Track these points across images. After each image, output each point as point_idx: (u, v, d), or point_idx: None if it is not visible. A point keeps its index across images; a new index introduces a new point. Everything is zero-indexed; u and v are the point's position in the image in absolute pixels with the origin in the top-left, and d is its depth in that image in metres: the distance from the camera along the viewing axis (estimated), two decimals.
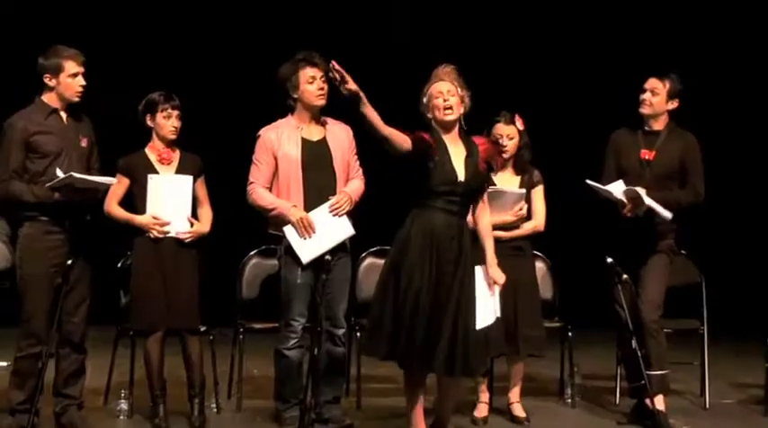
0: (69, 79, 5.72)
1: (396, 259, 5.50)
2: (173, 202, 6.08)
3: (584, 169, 6.25)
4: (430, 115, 5.59)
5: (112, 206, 6.12)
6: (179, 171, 6.15)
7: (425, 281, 5.40)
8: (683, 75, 6.29)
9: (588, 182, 6.15)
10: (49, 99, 5.77)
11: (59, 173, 5.58)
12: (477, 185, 5.59)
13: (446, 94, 5.53)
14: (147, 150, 6.17)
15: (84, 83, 5.74)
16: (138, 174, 6.10)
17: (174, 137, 6.14)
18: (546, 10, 9.87)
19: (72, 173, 5.57)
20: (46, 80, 5.74)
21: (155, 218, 6.03)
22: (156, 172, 6.11)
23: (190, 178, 6.14)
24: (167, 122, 6.11)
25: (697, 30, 9.67)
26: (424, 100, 5.60)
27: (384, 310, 5.47)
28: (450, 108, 5.53)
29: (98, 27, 9.26)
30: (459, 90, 5.55)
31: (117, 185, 6.08)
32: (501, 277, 5.58)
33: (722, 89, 9.62)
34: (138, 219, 6.07)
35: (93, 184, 5.68)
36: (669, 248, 6.27)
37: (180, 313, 6.09)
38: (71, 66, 5.71)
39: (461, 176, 5.49)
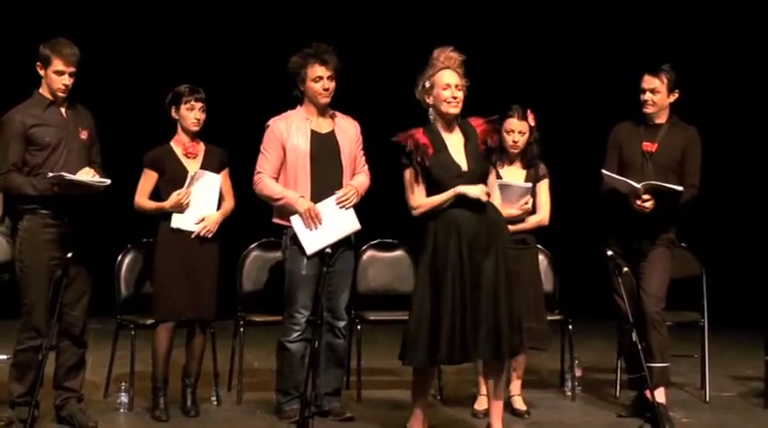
0: (54, 75, 5.71)
1: (430, 268, 5.38)
2: (198, 196, 6.11)
3: (585, 162, 6.25)
4: (430, 102, 5.47)
5: (142, 200, 6.16)
6: (204, 164, 6.19)
7: (459, 279, 5.32)
8: (683, 68, 6.28)
9: (604, 172, 6.13)
10: (45, 91, 5.77)
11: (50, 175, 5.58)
12: (483, 170, 5.49)
13: (454, 89, 5.41)
14: (172, 143, 6.22)
15: (67, 82, 5.71)
16: (166, 168, 6.14)
17: (196, 128, 6.18)
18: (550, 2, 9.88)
19: (62, 173, 5.57)
20: (38, 68, 5.74)
21: (178, 194, 6.07)
22: (183, 165, 6.14)
23: (218, 176, 6.18)
24: (190, 114, 6.14)
25: (698, 23, 9.66)
26: (426, 84, 5.46)
27: (422, 319, 5.37)
28: (458, 103, 5.42)
29: (112, 21, 9.35)
30: (462, 81, 5.45)
31: (146, 180, 6.15)
32: None
33: (723, 81, 9.61)
34: (168, 203, 6.10)
35: (84, 184, 5.65)
36: (670, 241, 6.26)
37: (201, 304, 6.14)
38: (57, 64, 5.69)
39: (464, 166, 5.43)
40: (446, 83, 5.43)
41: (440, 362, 5.44)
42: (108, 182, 5.72)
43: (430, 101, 5.48)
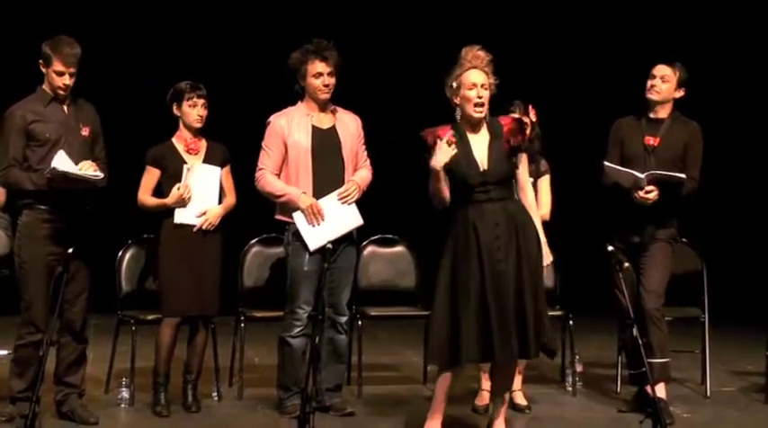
0: (54, 75, 5.71)
1: (450, 272, 5.36)
2: (198, 190, 6.11)
3: (586, 158, 6.24)
4: (458, 102, 5.43)
5: (145, 197, 6.17)
6: (206, 161, 6.20)
7: (480, 282, 5.29)
8: (686, 63, 6.28)
9: (606, 163, 6.13)
10: (47, 87, 5.77)
11: (55, 161, 5.57)
12: (505, 169, 5.42)
13: (480, 89, 5.37)
14: (174, 140, 6.22)
15: (68, 82, 5.71)
16: (168, 164, 6.14)
17: (199, 125, 6.18)
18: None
19: (55, 166, 5.57)
20: (40, 65, 5.75)
21: (178, 189, 6.07)
22: (185, 162, 6.14)
23: (218, 169, 6.19)
24: (192, 111, 6.14)
25: (699, 20, 9.66)
26: (453, 84, 5.42)
27: (443, 321, 5.34)
28: (483, 105, 5.38)
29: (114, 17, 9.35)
30: (489, 79, 5.40)
31: (148, 177, 6.16)
32: (548, 257, 5.54)
33: (724, 77, 9.60)
34: (169, 199, 6.10)
35: (77, 177, 5.64)
36: (671, 236, 6.26)
37: (204, 300, 6.15)
38: (57, 64, 5.69)
39: (484, 165, 5.37)
40: (472, 82, 5.39)
41: (464, 362, 5.41)
42: (101, 176, 5.71)
43: (457, 101, 5.44)
